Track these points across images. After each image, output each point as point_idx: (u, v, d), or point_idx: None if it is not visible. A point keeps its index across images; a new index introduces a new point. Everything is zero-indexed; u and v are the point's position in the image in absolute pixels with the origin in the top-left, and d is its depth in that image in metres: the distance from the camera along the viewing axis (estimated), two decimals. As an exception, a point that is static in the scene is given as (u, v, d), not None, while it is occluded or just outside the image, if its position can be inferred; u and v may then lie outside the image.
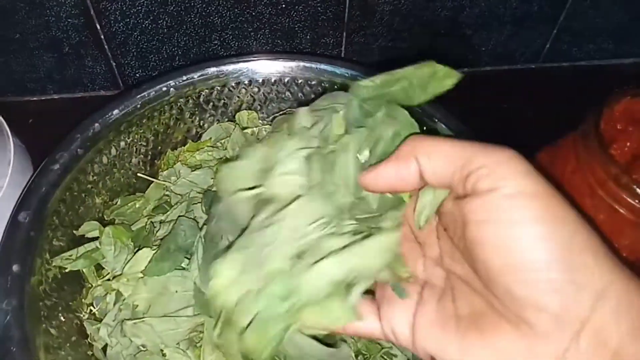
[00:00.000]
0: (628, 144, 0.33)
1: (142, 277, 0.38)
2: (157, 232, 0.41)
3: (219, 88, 0.47)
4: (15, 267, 0.34)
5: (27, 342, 0.32)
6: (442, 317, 0.23)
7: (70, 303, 0.38)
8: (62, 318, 0.37)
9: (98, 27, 0.56)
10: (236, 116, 0.50)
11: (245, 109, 0.50)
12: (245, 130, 0.50)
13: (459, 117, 0.48)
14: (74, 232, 0.40)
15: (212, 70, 0.46)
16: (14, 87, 0.61)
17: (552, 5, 0.64)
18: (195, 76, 0.46)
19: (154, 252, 0.39)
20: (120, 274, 0.40)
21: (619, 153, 0.33)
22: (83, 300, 0.40)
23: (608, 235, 0.33)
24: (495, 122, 0.67)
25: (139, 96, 0.44)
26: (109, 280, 0.40)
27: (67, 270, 0.38)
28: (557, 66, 0.72)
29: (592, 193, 0.33)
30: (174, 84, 0.45)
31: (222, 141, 0.49)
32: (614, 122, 0.35)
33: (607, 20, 0.67)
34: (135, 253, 0.40)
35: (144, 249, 0.40)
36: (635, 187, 0.30)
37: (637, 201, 0.30)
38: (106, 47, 0.58)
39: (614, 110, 0.35)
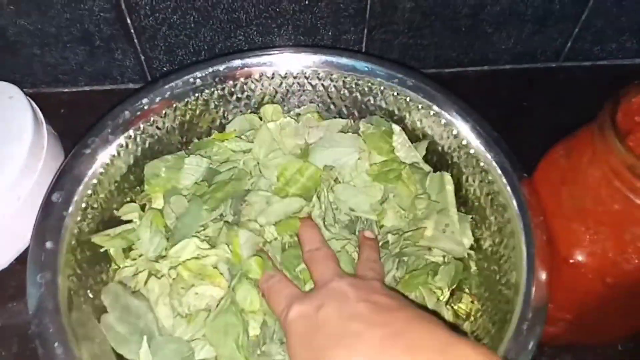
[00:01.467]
0: (643, 134, 0.33)
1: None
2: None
3: (242, 80, 0.49)
4: (48, 244, 0.36)
5: (58, 313, 0.34)
6: None
7: (98, 280, 0.40)
8: (90, 295, 0.39)
9: (129, 21, 0.58)
10: (261, 110, 0.51)
11: (268, 102, 0.52)
12: (270, 123, 0.51)
13: (480, 114, 0.48)
14: (104, 213, 0.42)
15: (237, 62, 0.48)
16: (48, 78, 0.64)
17: (575, 4, 0.63)
18: (220, 68, 0.47)
19: (201, 242, 0.40)
20: (163, 257, 0.41)
21: (636, 144, 0.33)
22: (110, 279, 0.42)
23: (623, 225, 0.33)
24: (516, 119, 0.68)
25: (166, 86, 0.46)
26: (151, 261, 0.41)
27: (100, 250, 0.40)
28: (578, 65, 0.72)
29: (608, 183, 0.33)
30: (199, 75, 0.47)
31: (247, 133, 0.50)
32: (632, 114, 0.35)
33: (630, 18, 0.66)
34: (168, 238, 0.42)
35: (192, 239, 0.41)
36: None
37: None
38: (136, 41, 0.60)
39: (632, 103, 0.35)
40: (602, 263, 0.34)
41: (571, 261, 0.36)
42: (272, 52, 0.49)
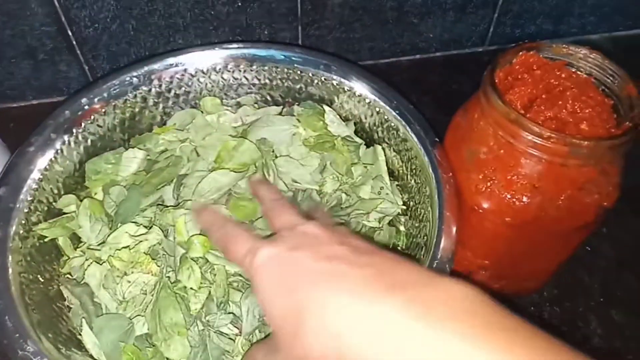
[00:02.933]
0: (523, 88, 0.38)
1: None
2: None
3: (178, 77, 0.52)
4: (-4, 232, 0.39)
5: (8, 291, 0.36)
6: None
7: (49, 269, 0.43)
8: (41, 279, 0.41)
9: (70, 33, 0.61)
10: (200, 102, 0.55)
11: (207, 96, 0.55)
12: (208, 116, 0.54)
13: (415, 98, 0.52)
14: (52, 207, 0.45)
15: (171, 60, 0.51)
16: (-5, 94, 0.66)
17: (489, -9, 0.69)
18: (155, 66, 0.51)
19: (137, 227, 0.43)
20: (103, 243, 0.44)
21: (516, 97, 0.38)
22: (61, 269, 0.44)
23: (508, 167, 0.38)
24: (447, 101, 0.72)
25: (104, 86, 0.49)
26: (92, 249, 0.44)
27: (46, 240, 0.43)
28: (502, 48, 0.76)
29: (494, 133, 0.38)
30: (135, 73, 0.50)
31: (188, 126, 0.54)
32: (515, 74, 0.40)
33: (543, 2, 0.72)
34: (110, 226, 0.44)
35: (129, 224, 0.43)
36: (524, 120, 0.35)
37: (526, 133, 0.35)
38: (78, 52, 0.63)
39: (513, 64, 0.40)
40: (499, 205, 0.39)
41: (475, 208, 0.40)
42: (205, 48, 0.53)
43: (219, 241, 0.35)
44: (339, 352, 0.26)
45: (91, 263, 0.42)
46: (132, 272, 0.40)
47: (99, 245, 0.43)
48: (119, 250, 0.41)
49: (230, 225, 0.35)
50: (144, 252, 0.41)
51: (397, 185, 0.50)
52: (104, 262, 0.42)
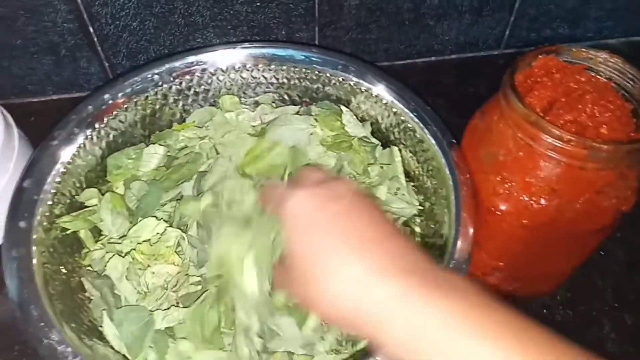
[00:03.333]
0: (542, 91, 0.38)
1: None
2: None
3: (198, 74, 0.53)
4: (22, 224, 0.40)
5: (32, 282, 0.37)
6: None
7: (70, 260, 0.44)
8: (63, 270, 0.42)
9: (91, 30, 0.62)
10: (219, 100, 0.56)
11: (225, 94, 0.56)
12: (227, 114, 0.55)
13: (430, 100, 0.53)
14: (75, 200, 0.46)
15: (192, 58, 0.52)
16: (16, 89, 0.67)
17: (506, -6, 0.69)
18: (177, 64, 0.51)
19: (158, 222, 0.44)
20: (124, 236, 0.45)
21: (535, 100, 0.39)
22: (82, 261, 0.45)
23: (527, 170, 0.38)
24: (462, 104, 0.73)
25: (126, 82, 0.50)
26: (112, 242, 0.45)
27: (68, 232, 0.44)
28: (518, 52, 0.77)
29: (514, 136, 0.38)
30: (157, 71, 0.51)
31: (207, 123, 0.54)
32: (533, 77, 0.40)
33: (559, 6, 0.72)
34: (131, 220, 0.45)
35: (150, 218, 0.44)
36: (544, 122, 0.35)
37: (546, 136, 0.35)
38: (99, 48, 0.64)
39: (532, 67, 0.40)
40: (517, 207, 0.39)
41: (492, 209, 0.40)
42: (225, 47, 0.53)
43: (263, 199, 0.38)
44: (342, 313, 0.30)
45: (113, 256, 0.43)
46: (156, 264, 0.41)
47: (120, 238, 0.44)
48: (140, 244, 0.42)
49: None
50: (166, 246, 0.42)
51: (413, 186, 0.51)
52: (126, 254, 0.43)
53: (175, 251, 0.43)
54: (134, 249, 0.42)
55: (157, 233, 0.43)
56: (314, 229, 0.32)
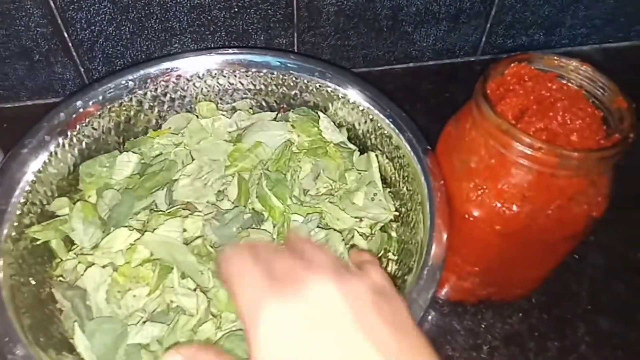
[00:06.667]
0: (514, 99, 0.39)
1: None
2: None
3: (174, 80, 0.52)
4: (-12, 234, 0.39)
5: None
6: None
7: (41, 271, 0.43)
8: (32, 282, 0.41)
9: (66, 35, 0.61)
10: (196, 107, 0.55)
11: (202, 100, 0.55)
12: (203, 120, 0.55)
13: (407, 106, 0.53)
14: (45, 210, 0.45)
15: (166, 64, 0.52)
16: (-11, 95, 0.66)
17: (482, 1, 0.70)
18: (151, 70, 0.51)
19: (130, 232, 0.43)
20: (96, 247, 0.44)
21: (507, 108, 0.39)
22: (53, 272, 0.44)
23: (499, 177, 0.39)
24: (439, 109, 0.73)
25: (100, 89, 0.49)
26: (84, 254, 0.44)
27: (38, 242, 0.43)
28: (494, 58, 0.78)
29: (486, 143, 0.39)
30: (131, 77, 0.50)
31: (183, 130, 0.54)
32: (506, 85, 0.41)
33: (534, 13, 0.73)
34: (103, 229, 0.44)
35: (122, 228, 0.43)
36: (515, 131, 0.36)
37: (517, 144, 0.36)
38: (74, 53, 0.63)
39: (504, 75, 0.41)
40: (489, 213, 0.39)
41: (466, 216, 0.41)
42: (201, 53, 0.53)
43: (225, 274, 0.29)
44: None
45: (90, 265, 0.42)
46: (137, 287, 0.40)
47: (92, 249, 0.43)
48: (121, 266, 0.41)
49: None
50: (142, 266, 0.41)
51: (390, 191, 0.51)
52: (106, 266, 0.42)
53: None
54: (115, 271, 0.41)
55: (129, 245, 0.42)
56: None
